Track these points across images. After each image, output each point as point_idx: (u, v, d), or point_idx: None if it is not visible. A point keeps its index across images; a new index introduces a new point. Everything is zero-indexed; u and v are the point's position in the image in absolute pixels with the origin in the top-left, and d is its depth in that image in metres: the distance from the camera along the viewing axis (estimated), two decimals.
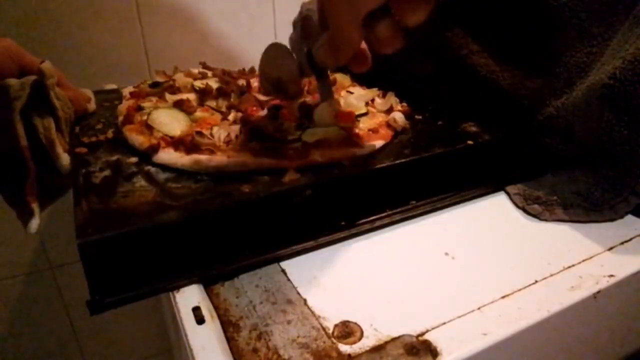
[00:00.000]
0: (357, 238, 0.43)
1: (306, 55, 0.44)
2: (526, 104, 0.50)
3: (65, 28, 0.73)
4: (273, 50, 0.49)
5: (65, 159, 0.44)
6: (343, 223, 0.43)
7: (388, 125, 0.50)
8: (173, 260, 0.37)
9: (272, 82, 0.50)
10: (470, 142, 0.48)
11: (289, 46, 0.89)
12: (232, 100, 0.52)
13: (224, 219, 0.37)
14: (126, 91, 0.58)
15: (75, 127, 0.51)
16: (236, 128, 0.45)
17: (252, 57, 0.74)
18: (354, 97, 0.54)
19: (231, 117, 0.48)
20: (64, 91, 0.48)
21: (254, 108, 0.49)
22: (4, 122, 0.40)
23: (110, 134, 0.49)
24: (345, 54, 0.38)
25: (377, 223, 0.44)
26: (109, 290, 0.35)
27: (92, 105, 0.56)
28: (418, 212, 0.46)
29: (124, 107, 0.52)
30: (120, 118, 0.50)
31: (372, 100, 0.55)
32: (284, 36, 0.89)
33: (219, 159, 0.42)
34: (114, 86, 0.67)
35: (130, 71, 0.79)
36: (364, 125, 0.49)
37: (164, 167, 0.43)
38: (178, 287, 0.37)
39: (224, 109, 0.51)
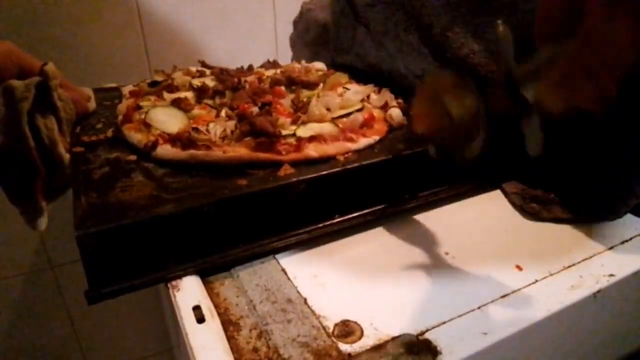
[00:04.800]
0: (357, 236, 0.43)
1: (505, 81, 0.32)
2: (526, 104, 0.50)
3: (66, 27, 0.73)
4: (435, 83, 0.37)
5: (67, 158, 0.44)
6: (337, 216, 0.43)
7: (384, 120, 0.51)
8: (169, 251, 0.37)
9: (440, 135, 0.38)
10: None
11: (289, 46, 0.90)
12: (226, 97, 0.53)
13: (219, 211, 0.38)
14: (126, 90, 0.59)
15: (77, 126, 0.52)
16: (232, 124, 0.46)
17: (252, 56, 0.74)
18: (350, 93, 0.54)
19: (223, 113, 0.49)
20: (65, 91, 0.48)
21: (247, 105, 0.49)
22: (11, 123, 0.40)
23: (110, 132, 0.50)
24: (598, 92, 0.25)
25: (370, 217, 0.44)
26: (106, 281, 0.36)
27: (92, 104, 0.56)
28: (411, 205, 0.46)
29: (123, 106, 0.53)
30: (120, 117, 0.50)
31: (368, 96, 0.55)
32: (284, 36, 0.90)
33: (215, 154, 0.42)
34: (113, 84, 0.68)
35: (130, 70, 0.79)
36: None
37: (162, 163, 0.43)
38: (174, 278, 0.37)
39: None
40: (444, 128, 0.37)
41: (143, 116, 0.48)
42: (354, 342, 0.32)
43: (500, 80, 0.32)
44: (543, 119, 0.31)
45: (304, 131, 0.45)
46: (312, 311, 0.34)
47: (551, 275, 0.38)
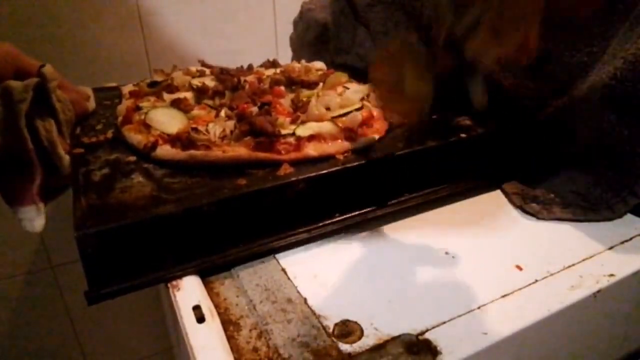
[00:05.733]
0: (357, 236, 0.43)
1: (448, 41, 0.33)
2: (527, 104, 0.50)
3: (67, 27, 0.73)
4: (398, 51, 0.40)
5: (66, 160, 0.44)
6: (337, 215, 0.43)
7: (384, 119, 0.51)
8: (169, 251, 0.37)
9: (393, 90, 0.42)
10: (463, 135, 0.48)
11: (289, 46, 0.90)
12: (225, 97, 0.53)
13: (219, 211, 0.38)
14: (126, 90, 0.59)
15: (77, 127, 0.52)
16: (231, 124, 0.46)
17: (252, 56, 0.74)
18: (350, 92, 0.54)
19: (222, 113, 0.49)
20: (64, 93, 0.48)
21: (246, 105, 0.49)
22: (9, 124, 0.40)
23: (109, 134, 0.50)
24: (524, 33, 0.27)
25: (370, 215, 0.44)
26: (106, 281, 0.36)
27: (91, 104, 0.56)
28: (411, 204, 0.46)
29: (123, 107, 0.53)
30: (120, 118, 0.50)
31: (368, 95, 0.55)
32: (284, 36, 0.89)
33: (215, 153, 0.42)
34: (112, 84, 0.68)
35: (130, 70, 0.79)
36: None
37: (162, 164, 0.43)
38: (174, 278, 0.37)
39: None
40: (397, 94, 0.41)
41: (143, 117, 0.48)
42: (354, 342, 0.32)
43: (443, 40, 0.33)
44: (484, 74, 0.34)
45: (303, 130, 0.45)
46: (312, 311, 0.34)
47: (551, 275, 0.38)
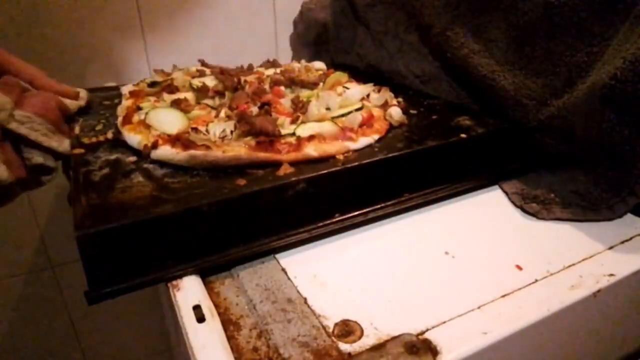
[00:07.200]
0: (358, 236, 0.43)
1: None
2: (527, 103, 0.50)
3: (66, 26, 0.73)
4: None
5: (2, 170, 0.43)
6: (337, 215, 0.43)
7: (384, 119, 0.51)
8: (169, 251, 0.37)
9: None
10: (463, 135, 0.48)
11: (289, 46, 0.90)
12: (225, 97, 0.53)
13: (218, 211, 0.38)
14: (126, 90, 0.59)
15: (75, 126, 0.51)
16: (231, 124, 0.46)
17: (252, 56, 0.75)
18: (350, 92, 0.54)
19: (222, 113, 0.49)
20: (33, 98, 0.46)
21: (246, 105, 0.50)
22: None
23: (110, 134, 0.49)
24: None
25: (371, 215, 0.44)
26: (106, 281, 0.36)
27: (78, 103, 0.55)
28: (411, 204, 0.46)
29: (123, 107, 0.53)
30: (120, 119, 0.50)
31: (368, 95, 0.55)
32: (284, 36, 0.90)
33: (215, 154, 0.42)
34: (112, 83, 0.68)
35: (130, 70, 0.80)
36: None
37: (162, 164, 0.43)
38: (174, 278, 0.37)
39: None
40: None
41: (143, 117, 0.48)
42: (354, 341, 0.32)
43: None
44: None
45: (303, 130, 0.46)
46: (312, 311, 0.34)
47: (551, 275, 0.38)
